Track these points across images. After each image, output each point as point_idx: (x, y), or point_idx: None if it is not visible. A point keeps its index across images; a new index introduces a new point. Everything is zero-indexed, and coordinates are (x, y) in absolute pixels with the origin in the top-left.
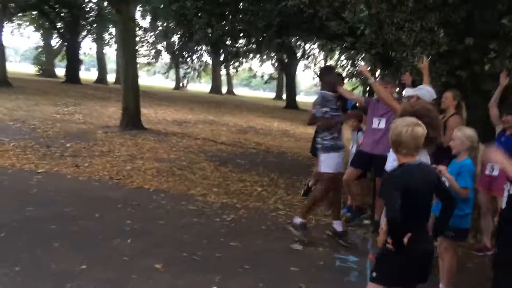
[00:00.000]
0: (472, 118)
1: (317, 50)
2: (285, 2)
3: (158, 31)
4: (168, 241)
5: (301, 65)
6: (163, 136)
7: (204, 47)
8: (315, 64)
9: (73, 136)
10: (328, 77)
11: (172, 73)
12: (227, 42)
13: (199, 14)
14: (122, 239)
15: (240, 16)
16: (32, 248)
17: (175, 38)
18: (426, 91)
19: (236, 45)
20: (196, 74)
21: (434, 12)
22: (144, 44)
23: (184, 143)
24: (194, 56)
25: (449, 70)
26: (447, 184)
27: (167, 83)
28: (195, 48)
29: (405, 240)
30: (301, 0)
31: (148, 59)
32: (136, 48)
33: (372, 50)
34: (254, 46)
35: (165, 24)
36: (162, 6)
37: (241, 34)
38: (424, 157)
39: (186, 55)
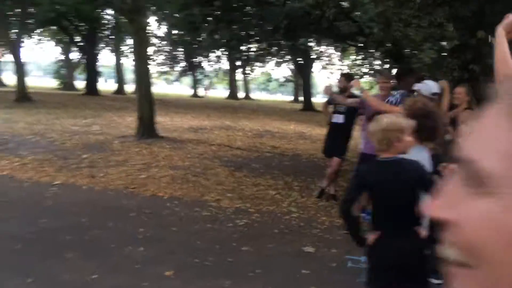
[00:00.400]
0: None
1: (332, 51)
2: (292, 4)
3: (170, 40)
4: (180, 248)
5: (317, 66)
6: (179, 143)
7: (216, 53)
8: (330, 65)
9: (90, 147)
10: (409, 77)
11: (190, 80)
12: (241, 47)
13: (207, 21)
14: (134, 247)
15: (248, 20)
16: (45, 260)
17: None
18: (424, 85)
19: (248, 50)
20: (210, 80)
21: (443, 7)
22: (160, 52)
23: (199, 149)
24: (206, 63)
25: (461, 65)
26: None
27: (186, 90)
28: (205, 54)
29: (371, 238)
30: (307, 2)
31: (163, 67)
32: (152, 57)
33: (381, 48)
34: (265, 50)
35: (176, 32)
36: (171, 14)
37: (250, 39)
38: (418, 153)
39: (197, 62)
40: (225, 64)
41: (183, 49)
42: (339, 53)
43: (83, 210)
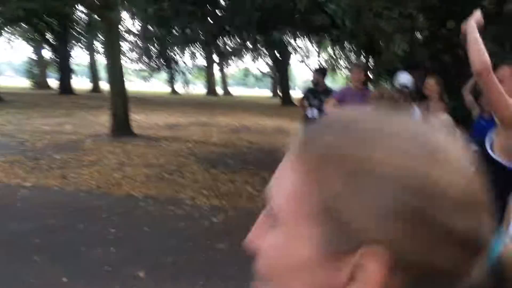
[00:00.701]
0: (458, 103)
1: (309, 44)
2: None
3: (143, 36)
4: (153, 248)
5: (294, 59)
6: (153, 141)
7: (191, 49)
8: (308, 59)
9: (61, 147)
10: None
11: (166, 77)
12: (215, 42)
13: (178, 15)
14: (105, 249)
15: (220, 15)
16: (11, 263)
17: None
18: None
19: (224, 45)
20: (185, 77)
21: None
22: (134, 49)
23: (174, 146)
24: (180, 59)
25: (431, 55)
26: None
27: (163, 88)
28: (180, 50)
29: None
30: None
31: (138, 64)
32: (127, 54)
33: (353, 40)
34: (240, 44)
35: (148, 27)
36: (142, 9)
37: (223, 34)
38: None
39: (171, 58)
40: (201, 60)
41: (156, 45)
42: (316, 47)
43: (53, 212)
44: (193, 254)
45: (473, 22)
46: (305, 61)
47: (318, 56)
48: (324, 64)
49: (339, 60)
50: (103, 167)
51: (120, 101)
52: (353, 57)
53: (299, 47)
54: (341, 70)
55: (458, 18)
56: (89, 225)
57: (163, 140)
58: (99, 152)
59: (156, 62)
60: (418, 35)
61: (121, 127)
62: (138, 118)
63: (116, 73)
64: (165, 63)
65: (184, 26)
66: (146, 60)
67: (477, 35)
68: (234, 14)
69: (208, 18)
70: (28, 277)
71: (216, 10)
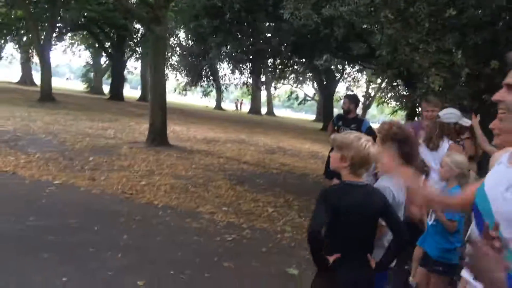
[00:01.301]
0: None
1: (360, 73)
2: (299, 21)
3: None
4: (159, 258)
5: (343, 86)
6: (187, 153)
7: (241, 66)
8: (355, 87)
9: (98, 150)
10: None
11: (214, 93)
12: (251, 62)
13: (215, 33)
14: (112, 253)
15: (256, 35)
16: (20, 257)
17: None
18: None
19: (266, 65)
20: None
21: (453, 33)
22: (181, 64)
23: (206, 160)
24: (226, 75)
25: (473, 94)
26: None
27: (210, 103)
28: (215, 66)
29: (330, 259)
30: (312, 20)
31: (184, 78)
32: (174, 66)
33: (388, 71)
34: (283, 66)
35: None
36: (184, 24)
37: (258, 54)
38: (390, 179)
39: (205, 73)
40: (246, 78)
41: (200, 60)
42: (364, 75)
43: (74, 211)
44: (197, 270)
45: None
46: (352, 88)
47: (367, 84)
48: (371, 92)
49: (385, 90)
50: (132, 173)
51: (159, 112)
52: (401, 88)
53: (347, 74)
54: (389, 101)
55: (502, 58)
56: (105, 228)
57: (196, 153)
58: (132, 158)
59: (198, 77)
60: (457, 71)
61: (158, 136)
62: (178, 130)
63: (157, 85)
64: (206, 79)
65: (220, 43)
66: (189, 73)
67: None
68: (272, 36)
69: (244, 37)
70: (30, 273)
71: (253, 30)
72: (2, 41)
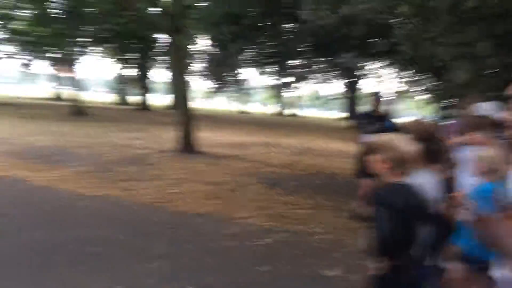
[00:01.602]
0: None
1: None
2: (315, 22)
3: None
4: (193, 266)
5: (368, 84)
6: (216, 159)
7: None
8: (382, 83)
9: (128, 161)
10: None
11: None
12: (272, 64)
13: (235, 39)
14: (148, 263)
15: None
16: (59, 271)
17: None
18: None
19: (289, 66)
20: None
21: (474, 25)
22: (204, 71)
23: (235, 165)
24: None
25: (499, 85)
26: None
27: (234, 106)
28: (235, 71)
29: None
30: (329, 20)
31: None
32: (197, 73)
33: (410, 66)
34: (306, 66)
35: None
36: (204, 32)
37: (279, 57)
38: (422, 176)
39: (227, 79)
40: (269, 81)
41: (218, 66)
42: (391, 71)
43: (107, 222)
44: (232, 275)
45: None
46: (377, 85)
47: (392, 80)
48: (397, 88)
49: (411, 86)
50: (162, 182)
51: (185, 119)
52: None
53: (371, 71)
54: (414, 96)
55: None
56: (137, 239)
57: (224, 158)
58: (161, 167)
59: (222, 81)
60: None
61: (186, 144)
62: (204, 136)
63: (182, 92)
64: (236, 83)
65: (241, 49)
66: (213, 79)
67: None
68: (289, 39)
69: (265, 42)
70: (73, 286)
71: (272, 34)
72: (32, 58)
